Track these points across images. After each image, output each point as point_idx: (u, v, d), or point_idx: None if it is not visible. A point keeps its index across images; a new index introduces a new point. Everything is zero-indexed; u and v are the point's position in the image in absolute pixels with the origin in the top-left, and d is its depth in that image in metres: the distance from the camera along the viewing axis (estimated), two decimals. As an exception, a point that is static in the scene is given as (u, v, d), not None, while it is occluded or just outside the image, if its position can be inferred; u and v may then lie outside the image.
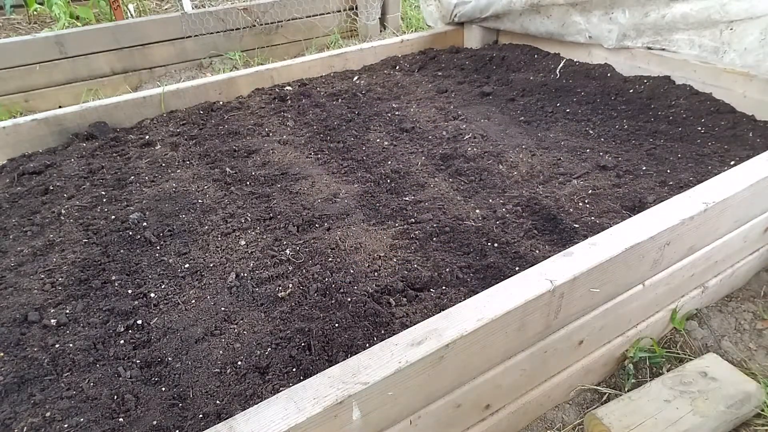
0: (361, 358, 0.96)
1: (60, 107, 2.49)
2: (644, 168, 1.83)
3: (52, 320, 1.36)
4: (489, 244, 1.53)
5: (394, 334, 1.02)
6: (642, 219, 1.29)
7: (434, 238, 1.57)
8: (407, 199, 1.78)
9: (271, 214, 1.73)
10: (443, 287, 1.37)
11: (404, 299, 1.34)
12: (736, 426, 1.30)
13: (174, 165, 2.10)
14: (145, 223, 1.72)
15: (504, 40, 3.21)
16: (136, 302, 1.43)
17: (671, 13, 2.23)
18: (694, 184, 1.55)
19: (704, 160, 1.82)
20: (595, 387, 1.44)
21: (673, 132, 2.03)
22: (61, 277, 1.52)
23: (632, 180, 1.77)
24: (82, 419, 1.10)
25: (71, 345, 1.29)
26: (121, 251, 1.63)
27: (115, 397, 1.15)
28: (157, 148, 2.24)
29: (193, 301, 1.41)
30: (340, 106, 2.52)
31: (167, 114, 2.52)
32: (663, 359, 1.48)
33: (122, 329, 1.34)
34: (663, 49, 2.35)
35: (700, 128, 2.02)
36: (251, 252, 1.57)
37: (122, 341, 1.31)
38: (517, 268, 1.41)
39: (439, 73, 2.88)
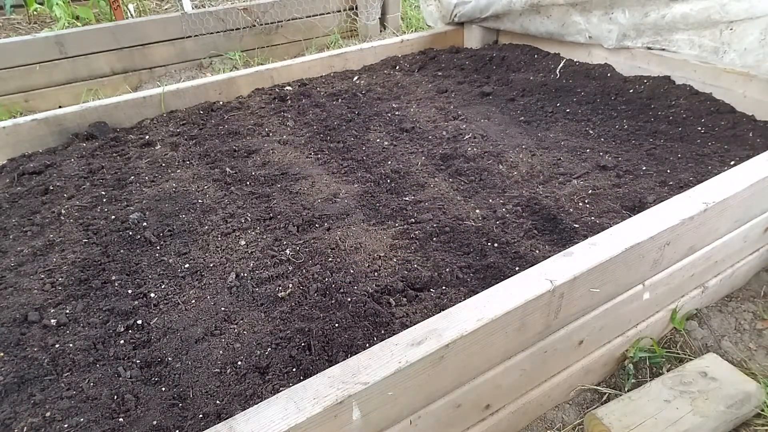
0: (361, 358, 0.96)
1: (60, 107, 2.50)
2: (644, 168, 1.83)
3: (52, 320, 1.36)
4: (489, 244, 1.53)
5: (394, 334, 1.02)
6: (642, 219, 1.29)
7: (434, 238, 1.57)
8: (407, 199, 1.78)
9: (271, 214, 1.73)
10: (443, 287, 1.38)
11: (404, 299, 1.34)
12: (736, 426, 1.30)
13: (174, 165, 2.10)
14: (145, 223, 1.72)
15: (504, 40, 3.21)
16: (136, 302, 1.43)
17: (671, 13, 2.23)
18: (694, 184, 1.55)
19: (704, 160, 1.82)
20: (595, 387, 1.44)
21: (673, 132, 2.03)
22: (61, 277, 1.52)
23: (632, 180, 1.77)
24: (82, 419, 1.10)
25: (71, 345, 1.29)
26: (121, 251, 1.63)
27: (115, 397, 1.15)
28: (157, 148, 2.24)
29: (193, 301, 1.41)
30: (340, 106, 2.52)
31: (167, 114, 2.52)
32: (663, 359, 1.48)
33: (122, 329, 1.34)
34: (663, 49, 2.35)
35: (700, 128, 2.02)
36: (251, 252, 1.57)
37: (122, 341, 1.31)
38: (517, 268, 1.41)
39: (439, 73, 2.88)
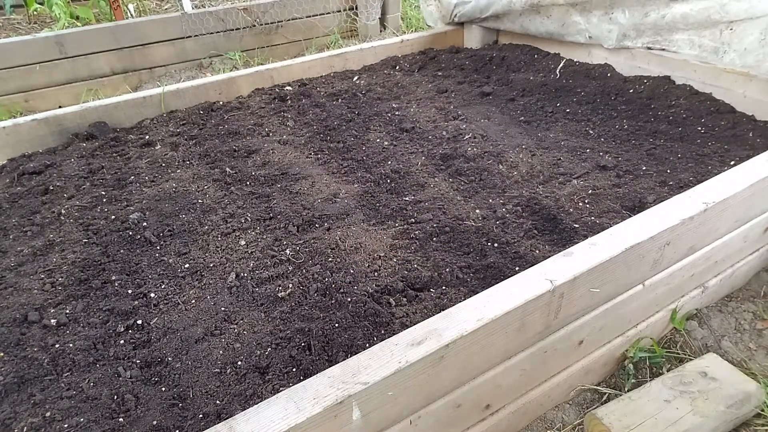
0: (361, 358, 0.96)
1: (60, 107, 2.50)
2: (644, 168, 1.83)
3: (52, 320, 1.36)
4: (489, 244, 1.53)
5: (394, 334, 1.02)
6: (642, 219, 1.29)
7: (434, 238, 1.57)
8: (407, 199, 1.78)
9: (271, 214, 1.73)
10: (443, 287, 1.38)
11: (404, 299, 1.34)
12: (736, 426, 1.30)
13: (174, 165, 2.10)
14: (145, 223, 1.72)
15: (504, 40, 3.21)
16: (136, 302, 1.43)
17: (671, 13, 2.23)
18: (694, 184, 1.55)
19: (704, 160, 1.82)
20: (595, 387, 1.44)
21: (673, 132, 2.03)
22: (61, 277, 1.52)
23: (632, 180, 1.77)
24: (82, 419, 1.10)
25: (71, 345, 1.29)
26: (121, 251, 1.63)
27: (115, 397, 1.15)
28: (157, 148, 2.24)
29: (193, 301, 1.41)
30: (340, 106, 2.52)
31: (167, 114, 2.52)
32: (663, 359, 1.48)
33: (122, 329, 1.34)
34: (663, 49, 2.35)
35: (700, 128, 2.02)
36: (251, 252, 1.57)
37: (122, 341, 1.31)
38: (517, 268, 1.41)
39: (439, 73, 2.88)
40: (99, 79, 3.59)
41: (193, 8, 3.73)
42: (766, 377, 1.41)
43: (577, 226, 1.55)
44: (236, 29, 3.86)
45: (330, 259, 1.49)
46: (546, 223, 1.60)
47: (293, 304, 1.36)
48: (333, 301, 1.34)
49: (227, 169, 2.03)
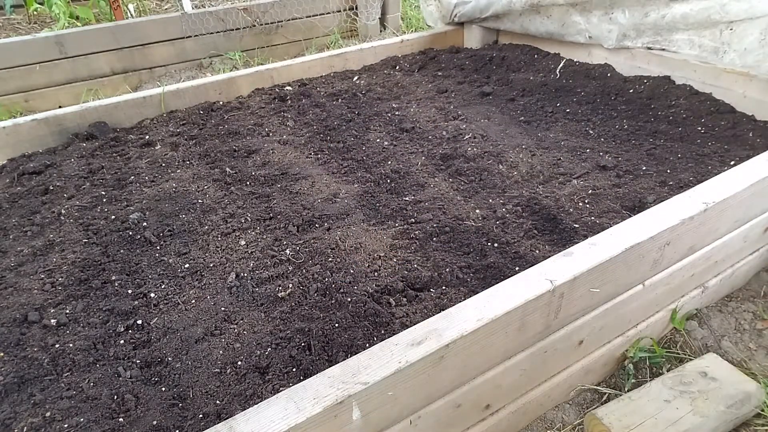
0: (361, 358, 0.96)
1: (60, 107, 2.49)
2: (644, 168, 1.83)
3: (52, 320, 1.36)
4: (489, 244, 1.53)
5: (394, 334, 1.02)
6: (642, 219, 1.29)
7: (434, 238, 1.57)
8: (407, 199, 1.78)
9: (271, 214, 1.73)
10: (443, 287, 1.37)
11: (404, 299, 1.34)
12: (736, 426, 1.30)
13: (174, 165, 2.10)
14: (145, 223, 1.72)
15: (504, 40, 3.21)
16: (136, 302, 1.43)
17: (671, 13, 2.23)
18: (694, 184, 1.55)
19: (704, 160, 1.82)
20: (595, 387, 1.44)
21: (673, 132, 2.03)
22: (61, 277, 1.52)
23: (632, 180, 1.77)
24: (82, 419, 1.10)
25: (71, 345, 1.29)
26: (121, 251, 1.63)
27: (115, 397, 1.15)
28: (157, 148, 2.24)
29: (193, 301, 1.41)
30: (340, 106, 2.52)
31: (167, 114, 2.52)
32: (663, 359, 1.48)
33: (122, 329, 1.34)
34: (663, 49, 2.35)
35: (700, 128, 2.02)
36: (251, 252, 1.57)
37: (122, 341, 1.31)
38: (517, 268, 1.41)
39: (439, 73, 2.88)
40: (99, 79, 3.59)
41: (193, 8, 3.73)
42: (766, 377, 1.41)
43: (577, 226, 1.55)
44: (236, 29, 3.86)
45: (330, 259, 1.49)
46: (546, 223, 1.60)
47: (293, 304, 1.36)
48: (333, 301, 1.34)
49: (227, 169, 2.03)
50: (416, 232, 1.58)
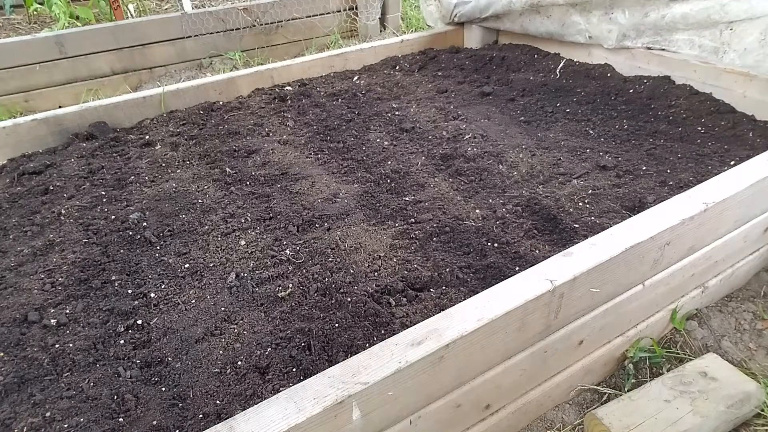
0: (361, 358, 0.96)
1: (60, 107, 2.49)
2: (644, 168, 1.83)
3: (52, 320, 1.36)
4: (489, 244, 1.53)
5: (394, 334, 1.02)
6: (642, 219, 1.29)
7: (434, 238, 1.57)
8: (407, 199, 1.78)
9: (271, 214, 1.73)
10: (443, 287, 1.37)
11: (404, 299, 1.34)
12: (736, 426, 1.30)
13: (174, 165, 2.10)
14: (145, 223, 1.72)
15: (504, 40, 3.21)
16: (136, 302, 1.43)
17: (671, 13, 2.23)
18: (694, 184, 1.55)
19: (704, 160, 1.82)
20: (595, 387, 1.44)
21: (673, 132, 2.03)
22: (61, 277, 1.52)
23: (632, 180, 1.77)
24: (82, 419, 1.10)
25: (71, 345, 1.29)
26: (121, 251, 1.63)
27: (115, 397, 1.15)
28: (157, 148, 2.24)
29: (193, 301, 1.41)
30: (340, 106, 2.52)
31: (167, 114, 2.52)
32: (663, 359, 1.48)
33: (122, 329, 1.34)
34: (663, 49, 2.35)
35: (700, 128, 2.02)
36: (251, 252, 1.57)
37: (122, 341, 1.31)
38: (517, 268, 1.41)
39: (439, 73, 2.88)
40: (99, 79, 3.59)
41: (193, 8, 3.73)
42: (766, 377, 1.41)
43: (577, 226, 1.55)
44: (236, 29, 3.86)
45: (330, 259, 1.49)
46: (546, 223, 1.60)
47: (293, 304, 1.36)
48: (333, 301, 1.34)
49: (227, 169, 2.03)
50: (416, 232, 1.58)
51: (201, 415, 1.10)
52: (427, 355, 0.96)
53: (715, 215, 1.36)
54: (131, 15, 4.22)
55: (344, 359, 0.99)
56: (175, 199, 1.85)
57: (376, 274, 1.43)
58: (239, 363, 1.20)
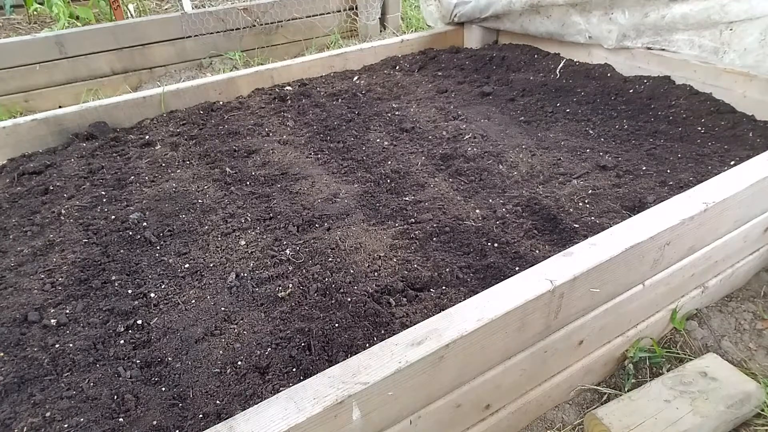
0: (361, 358, 0.96)
1: (60, 107, 2.50)
2: (644, 168, 1.83)
3: (52, 320, 1.36)
4: (489, 244, 1.53)
5: (394, 334, 1.02)
6: (642, 219, 1.29)
7: (434, 238, 1.57)
8: (407, 199, 1.78)
9: (271, 214, 1.73)
10: (443, 287, 1.37)
11: (404, 299, 1.34)
12: (736, 426, 1.30)
13: (174, 165, 2.10)
14: (145, 223, 1.72)
15: (504, 40, 3.21)
16: (136, 302, 1.43)
17: (671, 13, 2.23)
18: (694, 184, 1.55)
19: (704, 160, 1.82)
20: (595, 387, 1.44)
21: (673, 132, 2.03)
22: (61, 277, 1.52)
23: (632, 180, 1.77)
24: (82, 419, 1.10)
25: (71, 345, 1.29)
26: (121, 251, 1.63)
27: (115, 397, 1.15)
28: (157, 148, 2.24)
29: (193, 301, 1.41)
30: (340, 106, 2.52)
31: (167, 114, 2.52)
32: (663, 359, 1.48)
33: (122, 329, 1.34)
34: (663, 50, 2.35)
35: (700, 128, 2.02)
36: (251, 252, 1.57)
37: (122, 341, 1.31)
38: (517, 268, 1.41)
39: (439, 73, 2.88)
40: (99, 79, 3.59)
41: (193, 8, 3.73)
42: (766, 377, 1.41)
43: (577, 226, 1.55)
44: (236, 29, 3.86)
45: (330, 259, 1.49)
46: (546, 223, 1.60)
47: (293, 304, 1.36)
48: (333, 301, 1.34)
49: (227, 169, 2.03)
50: (416, 232, 1.58)
51: (201, 415, 1.10)
52: (427, 355, 0.96)
53: (715, 215, 1.36)
54: (131, 15, 4.22)
55: (344, 359, 0.99)
56: (175, 199, 1.85)
57: (376, 274, 1.43)
58: (239, 363, 1.20)
